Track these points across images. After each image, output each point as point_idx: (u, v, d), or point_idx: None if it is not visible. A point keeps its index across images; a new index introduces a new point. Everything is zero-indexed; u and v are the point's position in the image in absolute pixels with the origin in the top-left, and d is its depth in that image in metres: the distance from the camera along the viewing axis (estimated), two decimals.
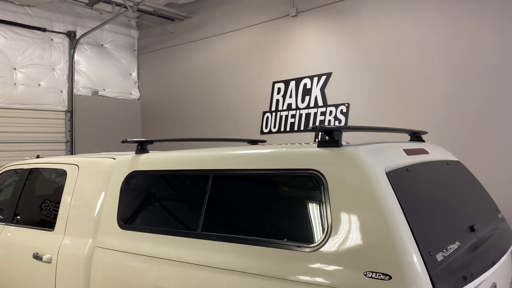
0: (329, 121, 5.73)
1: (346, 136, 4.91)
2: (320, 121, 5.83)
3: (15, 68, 6.82)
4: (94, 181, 2.99)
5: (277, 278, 1.85)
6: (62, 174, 3.31)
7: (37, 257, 3.10)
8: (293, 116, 6.10)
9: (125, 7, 6.70)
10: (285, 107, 6.22)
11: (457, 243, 1.93)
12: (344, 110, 5.61)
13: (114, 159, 3.00)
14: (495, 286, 2.20)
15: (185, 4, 7.53)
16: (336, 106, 5.69)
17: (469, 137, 4.62)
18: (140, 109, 8.51)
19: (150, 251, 2.35)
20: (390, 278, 1.60)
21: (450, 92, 4.77)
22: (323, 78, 5.85)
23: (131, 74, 8.49)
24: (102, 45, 8.02)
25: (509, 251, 2.44)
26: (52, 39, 7.30)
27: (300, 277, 1.80)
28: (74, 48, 7.46)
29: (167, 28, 7.84)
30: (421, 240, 1.69)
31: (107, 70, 8.06)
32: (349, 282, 1.68)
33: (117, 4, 6.85)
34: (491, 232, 2.38)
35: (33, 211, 3.46)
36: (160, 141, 3.09)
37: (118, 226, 2.62)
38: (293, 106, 6.12)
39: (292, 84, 6.16)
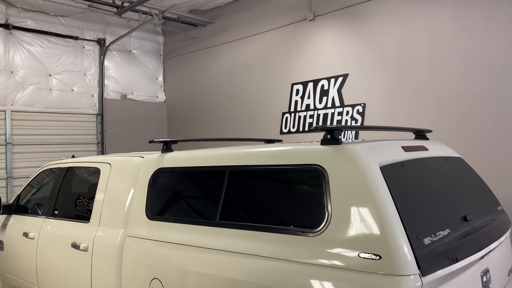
0: (346, 121, 5.93)
1: (363, 135, 5.09)
2: (337, 121, 6.04)
3: (50, 75, 7.30)
4: (124, 178, 3.31)
5: (284, 259, 2.11)
6: (96, 172, 3.65)
7: (75, 246, 3.46)
8: (311, 116, 6.33)
9: (151, 15, 7.08)
10: (303, 108, 6.45)
11: (447, 230, 2.14)
12: (361, 110, 5.80)
13: (142, 157, 3.32)
14: (488, 271, 2.39)
15: (207, 11, 7.85)
16: (353, 106, 5.89)
17: (481, 135, 4.74)
18: (166, 111, 8.89)
19: (174, 239, 2.65)
20: (380, 257, 1.83)
21: (462, 91, 4.90)
22: (340, 79, 6.05)
23: (157, 78, 8.89)
24: (130, 51, 8.44)
25: (503, 239, 2.62)
26: (83, 47, 7.75)
27: (304, 259, 2.05)
28: (104, 55, 7.89)
29: (191, 33, 8.19)
30: (409, 226, 1.92)
31: (134, 75, 8.48)
32: (345, 262, 1.93)
33: (144, 13, 7.24)
34: (487, 223, 2.57)
35: (71, 205, 3.83)
36: (183, 141, 3.39)
37: (146, 217, 2.93)
38: (311, 107, 6.35)
39: (310, 85, 6.38)
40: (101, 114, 7.89)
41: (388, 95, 5.54)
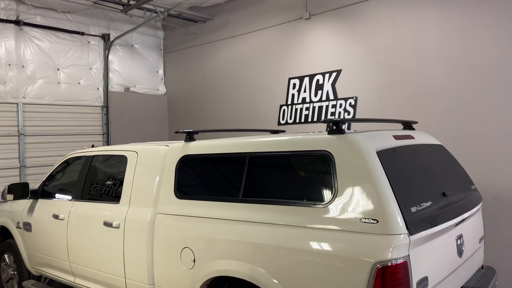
0: (339, 113, 6.46)
1: (356, 126, 5.61)
2: (331, 113, 6.56)
3: (58, 69, 7.66)
4: (152, 164, 3.78)
5: (299, 226, 2.63)
6: (123, 159, 4.11)
7: (106, 223, 3.92)
8: (307, 108, 6.84)
9: (156, 12, 7.48)
10: (299, 101, 6.96)
11: (429, 202, 2.67)
12: (353, 103, 6.32)
13: (167, 146, 3.80)
14: (462, 236, 2.95)
15: (207, 7, 8.25)
16: (346, 99, 6.41)
17: (460, 126, 5.30)
18: (166, 103, 9.32)
19: (203, 213, 3.15)
20: (377, 221, 2.36)
21: (445, 86, 5.45)
22: (334, 74, 6.56)
23: (157, 72, 9.29)
24: (132, 45, 8.82)
25: (475, 211, 3.18)
26: (89, 42, 8.12)
27: (315, 225, 2.57)
28: (109, 49, 8.27)
29: (191, 29, 8.60)
30: (399, 197, 2.44)
31: (136, 68, 8.88)
32: (350, 226, 2.45)
33: (148, 10, 7.63)
34: (462, 198, 3.12)
35: (99, 189, 4.29)
36: (204, 131, 3.85)
37: (175, 197, 3.41)
38: (307, 100, 6.86)
39: (306, 80, 6.89)
40: (106, 106, 8.29)
41: (378, 90, 6.06)
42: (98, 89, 8.22)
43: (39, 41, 7.39)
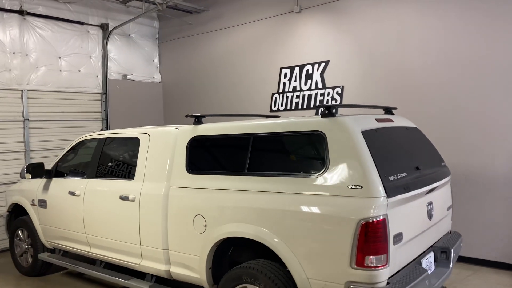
0: (327, 100, 6.99)
1: (342, 111, 6.20)
2: (320, 100, 7.09)
3: (60, 57, 8.00)
4: (164, 144, 4.25)
5: (297, 193, 3.15)
6: (136, 140, 4.56)
7: (122, 197, 4.40)
8: (298, 96, 7.36)
9: (154, 3, 7.86)
10: (290, 89, 7.47)
11: (405, 174, 3.23)
12: (340, 92, 6.86)
13: (178, 129, 4.28)
14: (431, 203, 3.52)
15: None
16: (333, 88, 6.95)
17: (434, 111, 5.89)
18: (161, 90, 9.73)
19: (213, 185, 3.65)
20: (362, 187, 2.90)
21: (423, 76, 6.01)
22: (322, 65, 7.08)
23: (153, 60, 9.68)
24: (129, 35, 9.19)
25: (443, 182, 3.76)
26: (88, 31, 8.46)
27: (311, 192, 3.10)
28: (107, 39, 8.63)
29: (186, 19, 8.99)
30: (380, 168, 2.98)
31: (133, 57, 9.25)
32: (339, 191, 2.98)
33: (147, 1, 8.00)
34: (432, 172, 3.69)
35: (113, 167, 4.76)
36: (209, 115, 4.33)
37: (187, 172, 3.91)
38: (297, 88, 7.38)
39: (297, 69, 7.40)
40: (105, 93, 8.67)
41: (363, 79, 6.61)
42: (97, 76, 8.58)
43: (41, 30, 7.71)
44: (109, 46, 8.75)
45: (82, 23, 8.30)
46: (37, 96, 7.67)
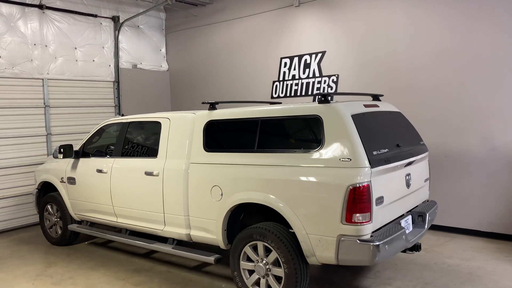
0: (324, 88, 7.67)
1: (337, 98, 6.81)
2: (317, 88, 7.77)
3: (76, 48, 8.62)
4: (183, 127, 4.92)
5: (297, 165, 3.86)
6: (157, 124, 5.24)
7: (147, 173, 5.10)
8: (297, 84, 8.04)
9: None
10: (290, 78, 8.14)
11: (386, 149, 3.93)
12: (335, 80, 7.54)
13: (195, 114, 4.96)
14: (410, 175, 4.24)
15: None
16: (329, 76, 7.62)
17: (418, 98, 6.59)
18: (168, 78, 10.37)
19: (228, 161, 4.35)
20: (350, 160, 3.60)
21: (410, 66, 6.69)
22: (319, 55, 7.74)
23: (160, 50, 10.29)
24: (138, 26, 9.78)
25: (420, 157, 4.47)
26: (101, 23, 9.05)
27: (309, 164, 3.81)
28: (119, 30, 9.23)
29: (191, 11, 9.59)
30: (366, 145, 3.68)
31: (142, 47, 9.87)
32: (332, 163, 3.68)
33: None
34: (411, 148, 4.41)
35: (137, 147, 5.45)
36: (221, 102, 5.01)
37: (204, 150, 4.61)
38: (296, 77, 8.05)
39: (296, 59, 8.05)
40: (117, 82, 9.31)
41: (356, 68, 7.28)
42: (109, 66, 9.21)
43: (59, 23, 8.31)
44: (120, 37, 9.35)
45: (95, 16, 8.89)
46: (56, 84, 8.30)
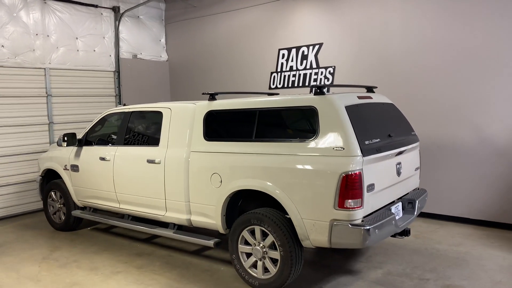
0: (320, 79, 7.85)
1: (332, 89, 6.98)
2: (314, 79, 7.94)
3: (77, 38, 8.75)
4: (184, 117, 5.11)
5: (294, 154, 4.05)
6: (158, 114, 5.42)
7: (149, 161, 5.29)
8: (294, 75, 8.21)
9: None
10: (287, 69, 8.31)
11: (378, 139, 4.13)
12: (331, 71, 7.71)
13: (195, 104, 5.14)
14: (400, 163, 4.45)
15: None
16: (326, 68, 7.79)
17: (411, 90, 6.78)
18: (168, 68, 10.52)
19: (227, 150, 4.55)
20: (343, 149, 3.80)
21: (404, 59, 6.87)
22: (317, 46, 7.90)
23: (160, 40, 10.42)
24: (138, 16, 9.90)
25: (410, 147, 4.68)
26: (102, 14, 9.17)
27: (305, 153, 4.01)
28: (119, 21, 9.36)
29: (191, 2, 9.71)
30: (358, 135, 3.87)
31: (142, 37, 10.00)
32: (326, 152, 3.88)
33: None
34: (402, 139, 4.61)
35: (139, 136, 5.64)
36: (221, 93, 5.19)
37: (204, 139, 4.80)
38: (294, 68, 8.21)
39: (293, 51, 8.21)
40: (117, 71, 9.46)
41: (352, 60, 7.45)
42: (110, 56, 9.34)
43: (60, 13, 8.43)
44: (120, 27, 9.48)
45: (96, 6, 9.01)
46: (58, 74, 8.45)
